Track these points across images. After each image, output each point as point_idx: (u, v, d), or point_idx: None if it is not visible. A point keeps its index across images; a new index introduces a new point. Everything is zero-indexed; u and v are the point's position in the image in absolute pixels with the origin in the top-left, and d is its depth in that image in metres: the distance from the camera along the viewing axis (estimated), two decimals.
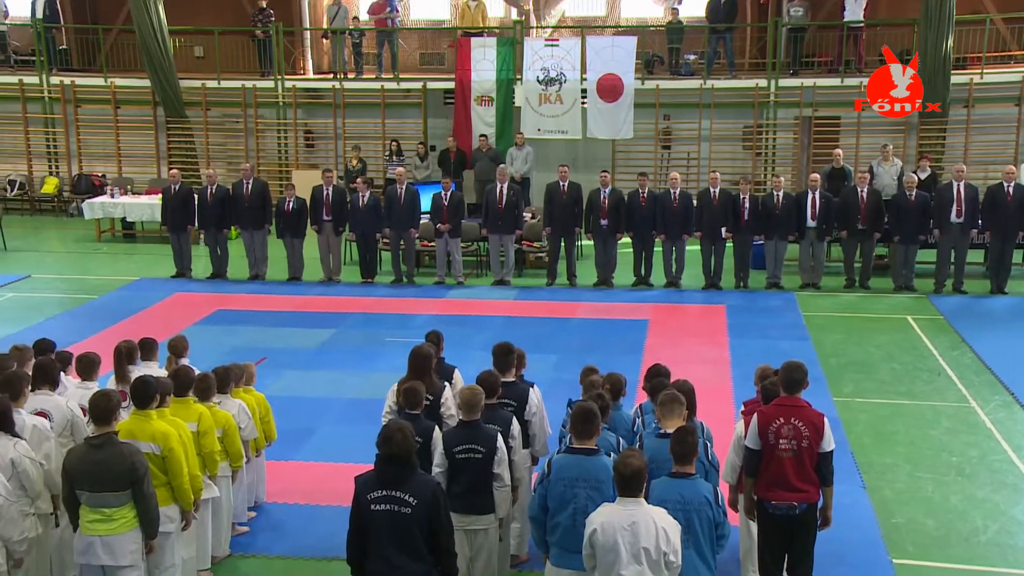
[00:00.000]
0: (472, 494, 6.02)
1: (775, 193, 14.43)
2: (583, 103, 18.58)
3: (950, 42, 17.38)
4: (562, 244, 14.88)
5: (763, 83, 19.01)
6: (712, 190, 14.52)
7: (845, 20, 18.90)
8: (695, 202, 14.64)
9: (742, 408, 6.88)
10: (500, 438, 6.07)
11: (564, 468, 5.44)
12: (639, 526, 4.86)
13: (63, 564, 6.55)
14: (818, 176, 14.79)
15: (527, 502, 6.22)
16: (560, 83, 18.55)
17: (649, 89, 19.03)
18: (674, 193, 14.53)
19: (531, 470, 6.86)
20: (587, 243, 15.64)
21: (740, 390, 9.78)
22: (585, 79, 18.52)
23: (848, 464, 8.38)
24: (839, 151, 16.41)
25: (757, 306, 13.80)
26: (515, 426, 6.40)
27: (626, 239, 14.89)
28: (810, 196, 14.34)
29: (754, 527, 6.22)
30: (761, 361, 7.39)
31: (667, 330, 12.64)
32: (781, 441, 5.90)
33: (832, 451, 5.98)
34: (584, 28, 20.58)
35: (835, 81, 18.62)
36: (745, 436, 6.08)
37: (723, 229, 14.41)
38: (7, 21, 21.35)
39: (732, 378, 10.68)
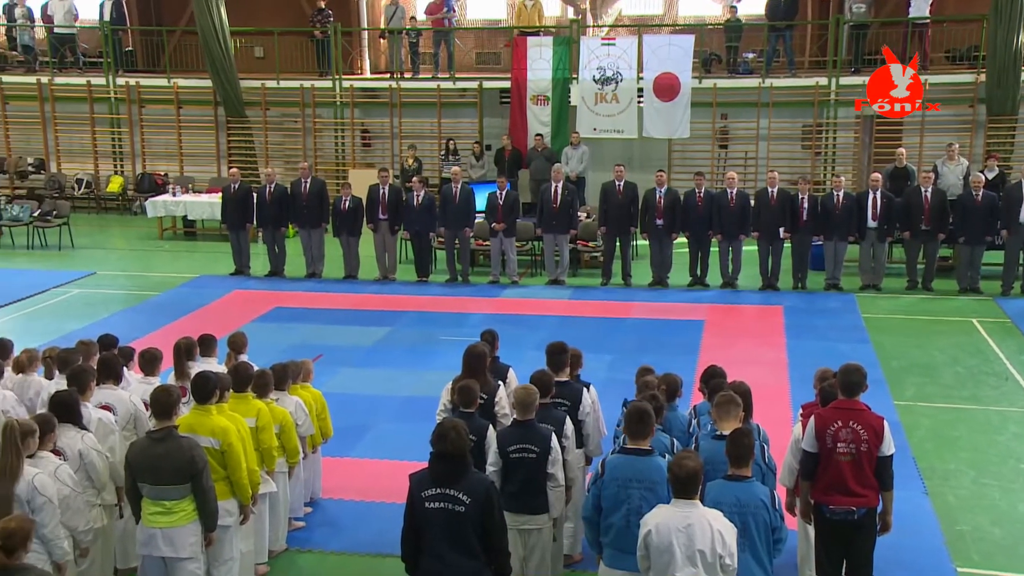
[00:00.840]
0: (526, 494, 6.02)
1: (835, 193, 14.19)
2: (639, 102, 18.47)
3: (1022, 37, 16.92)
4: (617, 244, 14.82)
5: (823, 81, 18.70)
6: (770, 190, 14.34)
7: (910, 16, 18.50)
8: (752, 202, 14.48)
9: (800, 411, 6.79)
10: (554, 438, 6.06)
11: (617, 469, 5.41)
12: (694, 528, 4.82)
13: (127, 554, 6.70)
14: (879, 176, 14.51)
15: (581, 502, 6.21)
16: (616, 82, 18.45)
17: (706, 88, 18.85)
18: (731, 193, 14.38)
19: (585, 470, 6.84)
20: (642, 243, 15.55)
21: (797, 392, 9.64)
22: (642, 78, 18.40)
23: (909, 469, 8.22)
24: (902, 150, 16.09)
25: (815, 307, 13.59)
26: (568, 426, 6.39)
27: (681, 239, 14.78)
28: (871, 196, 14.08)
29: (812, 531, 6.13)
30: (819, 363, 7.29)
31: (723, 331, 12.51)
32: (839, 445, 5.80)
33: (892, 455, 5.87)
34: (641, 27, 20.45)
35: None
36: (802, 439, 6.00)
37: (781, 229, 14.23)
38: (77, 24, 21.87)
39: (789, 380, 10.54)
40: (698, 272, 14.75)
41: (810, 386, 6.98)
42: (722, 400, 5.84)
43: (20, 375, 7.60)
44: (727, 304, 13.89)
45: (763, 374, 10.27)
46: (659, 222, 14.47)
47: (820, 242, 14.48)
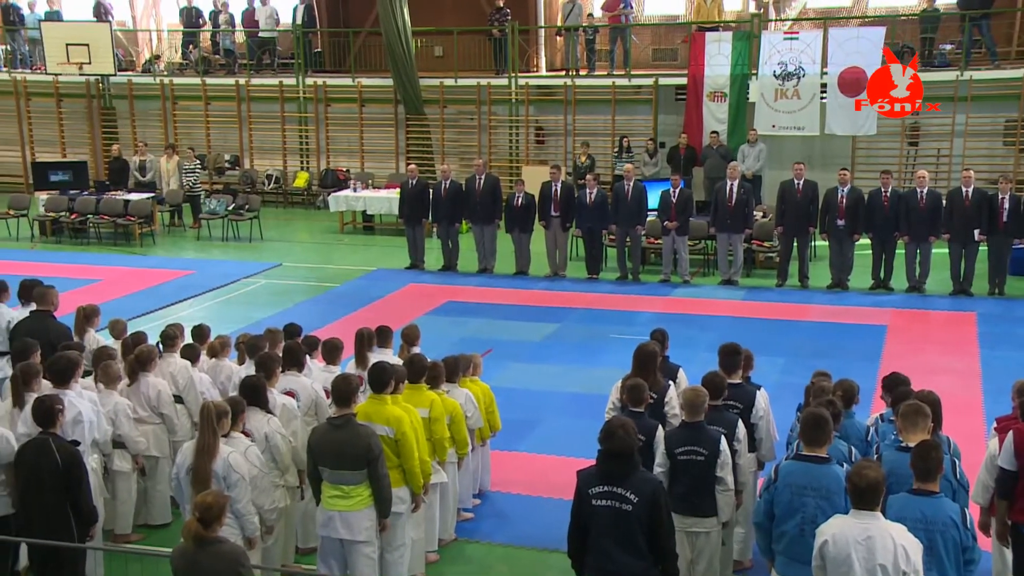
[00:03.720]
0: (694, 496, 5.92)
1: None
2: (822, 98, 17.78)
3: None
4: (794, 244, 14.33)
5: None
6: (964, 189, 13.51)
7: None
8: (944, 202, 13.67)
9: (995, 425, 6.36)
10: (724, 441, 5.94)
11: (792, 475, 5.24)
12: (875, 541, 4.58)
13: (307, 534, 7.03)
14: None
15: (752, 507, 6.05)
16: (798, 77, 17.83)
17: None
18: (921, 192, 13.64)
19: (757, 475, 6.67)
20: (820, 244, 14.96)
21: (992, 405, 9.03)
22: (826, 73, 17.70)
23: None
24: None
25: (1014, 315, 12.71)
26: (740, 429, 6.24)
27: (863, 240, 14.13)
28: None
29: (1009, 555, 5.72)
30: (1019, 375, 6.82)
31: (908, 337, 11.89)
32: None
33: None
34: (827, 20, 19.66)
35: None
36: (999, 455, 5.60)
37: (976, 231, 13.37)
38: (278, 28, 23.12)
39: (983, 392, 9.89)
40: (881, 275, 14.07)
41: (1007, 399, 6.53)
42: (909, 410, 5.52)
43: (213, 359, 8.10)
44: (913, 309, 13.19)
45: (952, 384, 9.68)
46: (840, 222, 13.90)
47: (1022, 245, 13.53)
